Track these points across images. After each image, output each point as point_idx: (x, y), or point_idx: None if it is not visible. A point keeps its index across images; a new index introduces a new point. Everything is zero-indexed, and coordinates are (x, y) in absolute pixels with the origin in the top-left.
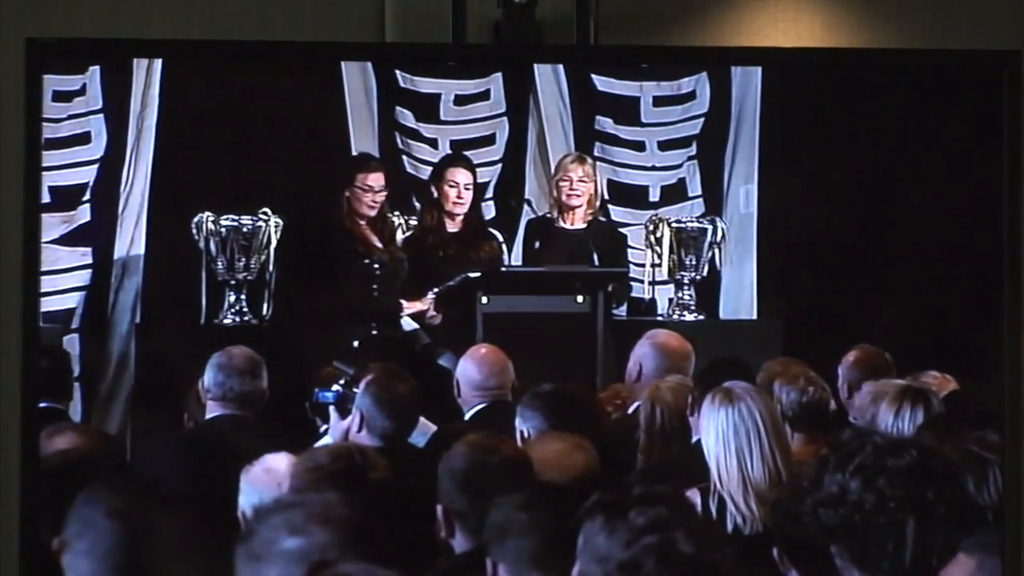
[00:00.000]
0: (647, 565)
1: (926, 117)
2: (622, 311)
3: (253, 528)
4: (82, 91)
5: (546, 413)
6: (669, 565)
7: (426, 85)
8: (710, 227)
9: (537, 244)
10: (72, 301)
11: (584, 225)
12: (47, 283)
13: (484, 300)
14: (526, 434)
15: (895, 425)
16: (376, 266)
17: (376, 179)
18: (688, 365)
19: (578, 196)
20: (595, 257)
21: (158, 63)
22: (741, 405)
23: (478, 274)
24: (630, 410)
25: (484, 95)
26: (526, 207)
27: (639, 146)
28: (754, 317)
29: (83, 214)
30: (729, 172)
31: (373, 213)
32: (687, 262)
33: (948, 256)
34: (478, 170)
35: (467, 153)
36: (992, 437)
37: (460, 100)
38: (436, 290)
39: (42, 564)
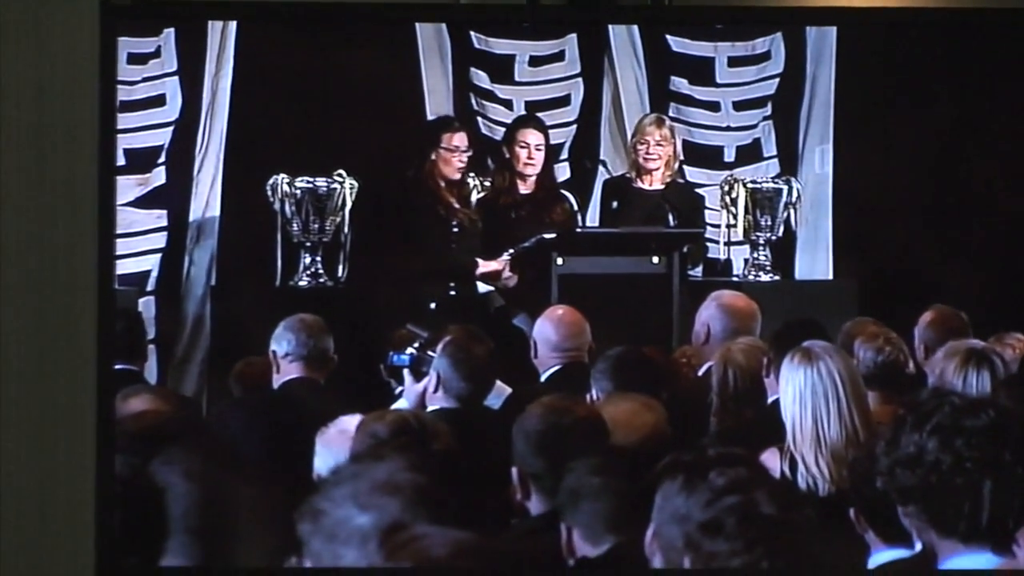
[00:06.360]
0: (728, 525)
1: (1004, 76)
2: (698, 272)
3: (321, 507)
4: (157, 53)
5: (613, 376)
6: (750, 525)
7: (500, 46)
8: (785, 187)
9: (615, 205)
10: (147, 264)
11: (662, 186)
12: (122, 246)
13: (559, 261)
14: (596, 397)
15: (963, 390)
16: (455, 226)
17: (461, 139)
18: (755, 325)
19: (656, 159)
20: (671, 218)
21: (232, 25)
22: (820, 364)
23: (553, 235)
24: (700, 372)
25: (559, 56)
26: (601, 168)
27: (714, 107)
28: (830, 277)
29: (158, 177)
30: (804, 132)
31: (458, 176)
32: (762, 223)
33: None
34: (553, 131)
35: (542, 115)
36: None
37: (535, 61)
38: (511, 251)
39: (118, 525)
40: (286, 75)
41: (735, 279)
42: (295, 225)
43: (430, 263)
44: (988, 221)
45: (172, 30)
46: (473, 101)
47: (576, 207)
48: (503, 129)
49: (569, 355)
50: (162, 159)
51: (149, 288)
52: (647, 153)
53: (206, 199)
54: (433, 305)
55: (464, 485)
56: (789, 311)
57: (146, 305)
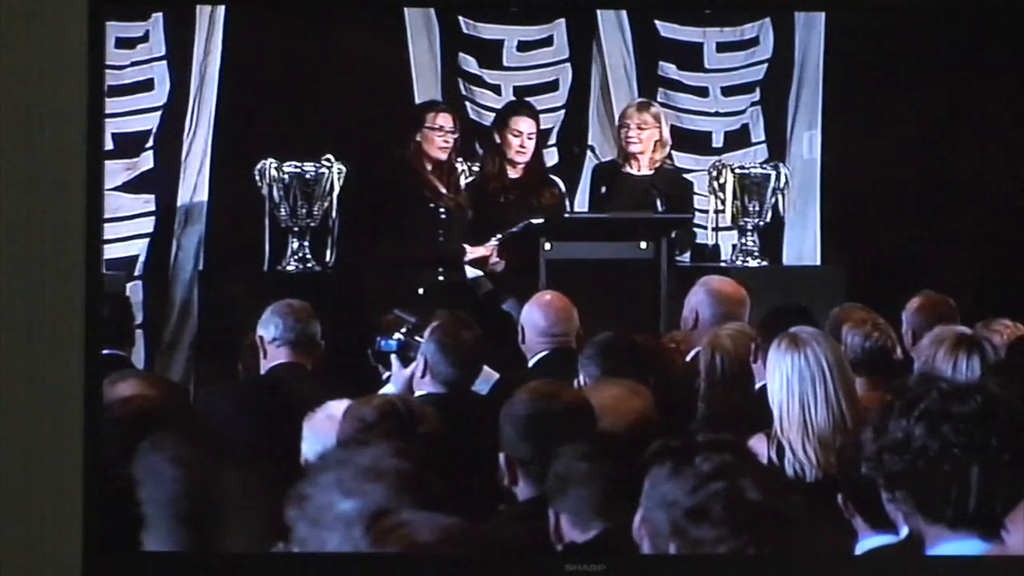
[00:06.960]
0: (714, 511)
1: (993, 62)
2: (686, 257)
3: (306, 493)
4: (145, 38)
5: (601, 362)
6: (736, 512)
7: (489, 31)
8: (773, 173)
9: (604, 190)
10: (135, 248)
11: (650, 171)
12: (110, 230)
13: (547, 246)
14: (583, 382)
15: (952, 376)
16: (442, 212)
17: (445, 119)
18: (744, 311)
19: (636, 143)
20: (659, 203)
21: (221, 9)
22: (807, 350)
23: (541, 220)
24: (688, 358)
25: (547, 41)
26: (589, 153)
27: (702, 92)
28: (817, 263)
29: (146, 161)
30: (792, 118)
31: (443, 156)
32: (750, 208)
33: (1016, 203)
34: (542, 116)
35: (530, 99)
36: None
37: (523, 46)
38: (499, 236)
39: (105, 511)
40: (274, 60)
41: (723, 264)
42: (283, 210)
43: (418, 248)
44: (976, 207)
45: (161, 15)
46: (461, 86)
47: (564, 192)
48: (491, 114)
49: (557, 340)
50: (150, 144)
51: (137, 273)
52: (628, 137)
53: (194, 184)
54: (421, 290)
55: (451, 470)
56: (777, 297)
57: (134, 290)
